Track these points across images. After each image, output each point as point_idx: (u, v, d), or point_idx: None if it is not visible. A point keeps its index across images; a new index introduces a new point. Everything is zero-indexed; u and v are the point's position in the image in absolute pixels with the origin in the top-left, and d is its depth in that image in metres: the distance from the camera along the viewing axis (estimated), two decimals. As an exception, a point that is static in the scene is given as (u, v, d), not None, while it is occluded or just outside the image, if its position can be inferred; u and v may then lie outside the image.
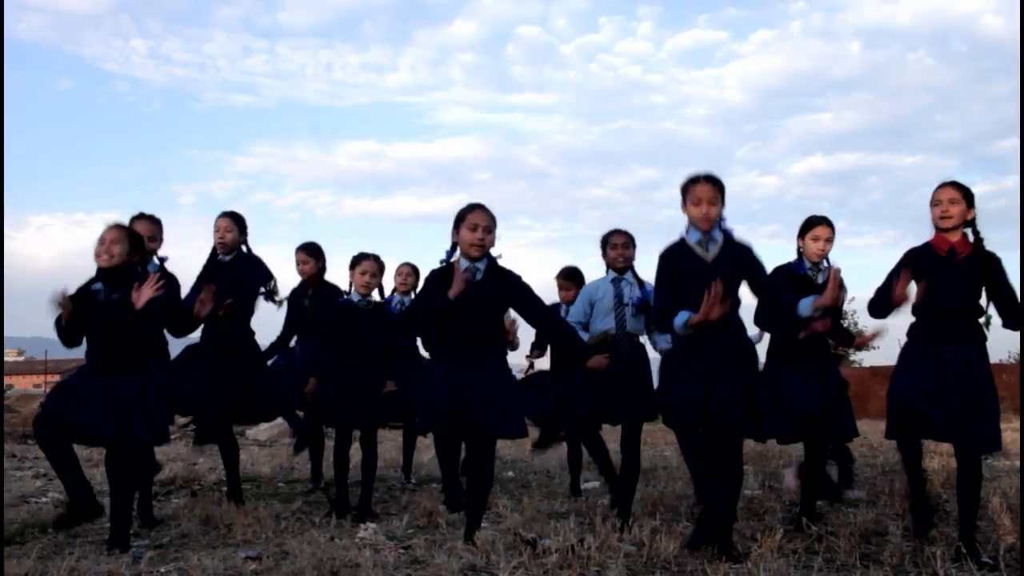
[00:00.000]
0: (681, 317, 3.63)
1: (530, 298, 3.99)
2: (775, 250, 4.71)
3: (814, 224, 4.43)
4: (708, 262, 3.69)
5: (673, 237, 3.83)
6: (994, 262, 3.79)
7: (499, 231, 3.94)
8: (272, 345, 5.86)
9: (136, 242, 4.16)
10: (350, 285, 5.09)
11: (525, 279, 4.02)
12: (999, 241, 3.80)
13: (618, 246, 4.67)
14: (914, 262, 3.83)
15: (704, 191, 3.70)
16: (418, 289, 6.06)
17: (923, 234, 3.93)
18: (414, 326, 4.34)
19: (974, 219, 3.81)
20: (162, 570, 3.55)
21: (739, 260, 3.74)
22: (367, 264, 5.00)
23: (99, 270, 4.06)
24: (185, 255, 5.36)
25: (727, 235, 3.77)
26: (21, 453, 8.83)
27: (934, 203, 3.82)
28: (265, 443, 10.58)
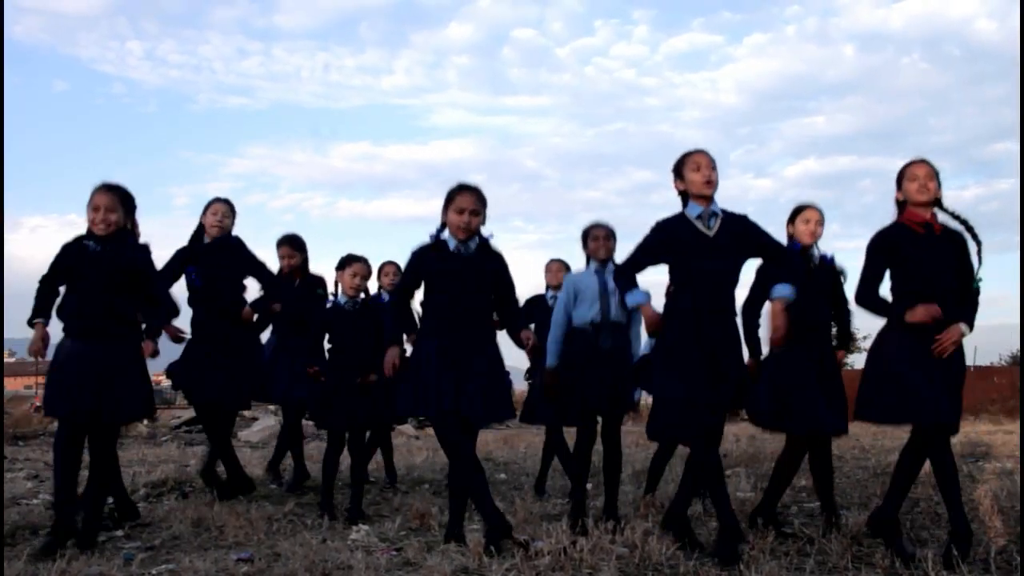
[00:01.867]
0: (636, 297, 3.66)
1: (506, 283, 4.10)
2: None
3: (803, 208, 4.44)
4: (710, 236, 3.66)
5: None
6: (963, 242, 3.72)
7: (495, 232, 4.03)
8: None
9: (129, 203, 4.12)
10: (336, 285, 5.10)
11: (516, 276, 4.16)
12: (992, 244, 3.77)
13: (599, 238, 4.70)
14: (889, 244, 3.69)
15: (703, 158, 3.69)
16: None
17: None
18: (403, 302, 4.29)
19: (941, 198, 3.74)
20: (153, 572, 3.54)
21: (741, 231, 3.71)
22: (357, 267, 5.01)
23: (92, 232, 4.02)
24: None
25: (724, 210, 3.75)
26: (12, 455, 8.79)
27: (910, 178, 3.69)
28: (257, 444, 10.56)
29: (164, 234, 5.12)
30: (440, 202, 4.01)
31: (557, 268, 5.90)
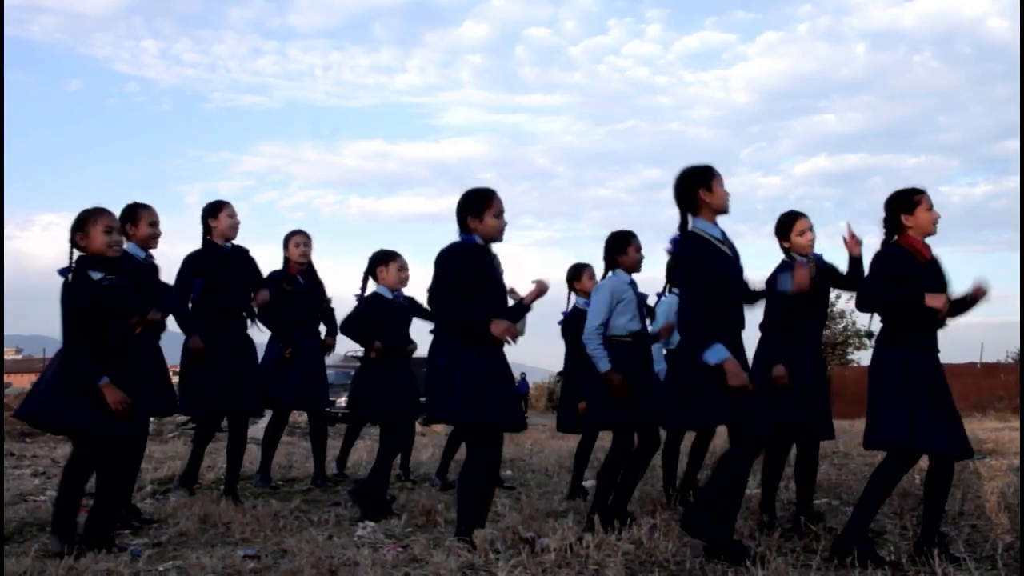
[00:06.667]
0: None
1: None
2: (776, 250, 4.72)
3: (796, 219, 4.46)
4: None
5: (669, 236, 3.89)
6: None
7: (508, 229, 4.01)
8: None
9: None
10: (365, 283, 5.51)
11: (524, 273, 4.13)
12: (1000, 242, 3.77)
13: (640, 249, 4.65)
14: (899, 268, 3.70)
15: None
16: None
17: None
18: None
19: None
20: (161, 568, 3.55)
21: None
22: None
23: (96, 259, 3.80)
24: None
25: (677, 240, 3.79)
26: (20, 451, 8.83)
27: (927, 207, 3.72)
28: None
29: (174, 231, 5.15)
30: (450, 200, 3.91)
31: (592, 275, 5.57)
